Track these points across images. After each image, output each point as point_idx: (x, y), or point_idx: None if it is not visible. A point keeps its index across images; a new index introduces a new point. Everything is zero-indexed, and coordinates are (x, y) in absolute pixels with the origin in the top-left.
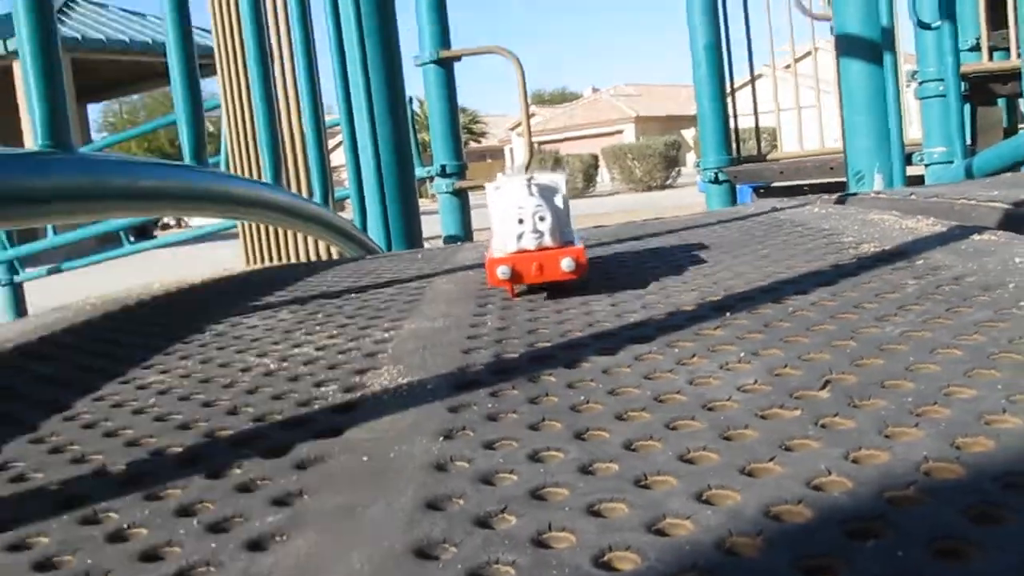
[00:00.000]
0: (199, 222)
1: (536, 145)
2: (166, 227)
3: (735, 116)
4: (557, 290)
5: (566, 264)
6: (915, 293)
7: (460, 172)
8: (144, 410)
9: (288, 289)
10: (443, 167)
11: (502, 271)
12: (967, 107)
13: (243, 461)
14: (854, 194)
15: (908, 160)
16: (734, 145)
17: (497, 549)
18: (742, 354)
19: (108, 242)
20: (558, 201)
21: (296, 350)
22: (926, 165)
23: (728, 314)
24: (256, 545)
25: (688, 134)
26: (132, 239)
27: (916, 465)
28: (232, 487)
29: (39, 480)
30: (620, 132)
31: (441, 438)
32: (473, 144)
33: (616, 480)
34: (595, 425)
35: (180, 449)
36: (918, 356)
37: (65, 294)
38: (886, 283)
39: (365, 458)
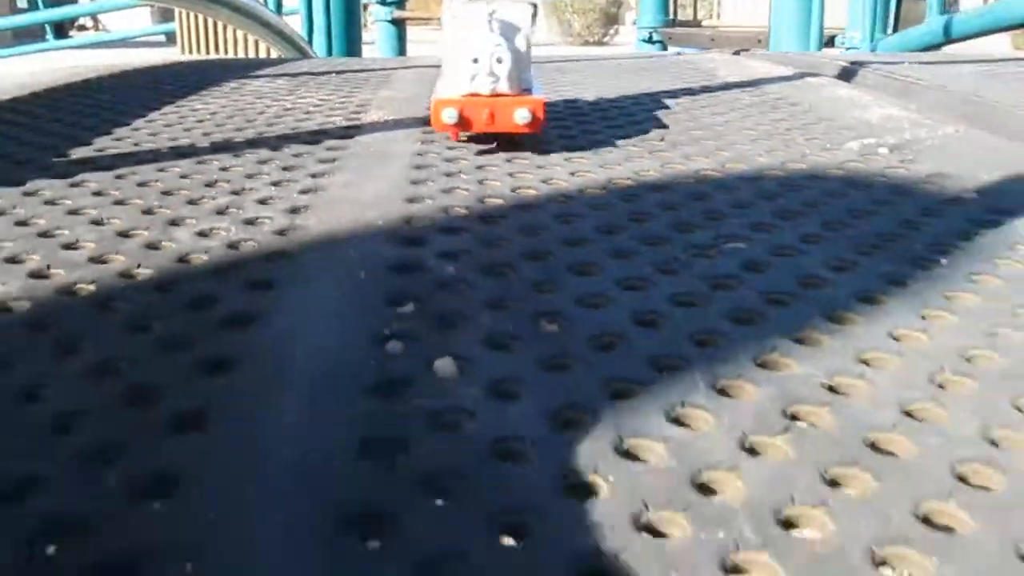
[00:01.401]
0: (119, 26)
1: None
2: (82, 28)
3: None
4: (507, 142)
5: (520, 116)
6: (752, 104)
7: (400, 1)
8: (204, 120)
9: (270, 70)
10: None
11: (448, 115)
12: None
13: (289, 144)
14: (746, 50)
15: (831, 43)
16: (672, 8)
17: (456, 198)
18: (657, 143)
19: (25, 36)
20: (520, 42)
21: (301, 101)
22: (845, 48)
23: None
24: (314, 175)
25: None
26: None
27: (756, 156)
28: (289, 156)
29: (152, 144)
30: None
31: (419, 143)
32: None
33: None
34: (522, 159)
35: (242, 140)
36: (751, 123)
37: None
38: (736, 99)
39: (372, 148)
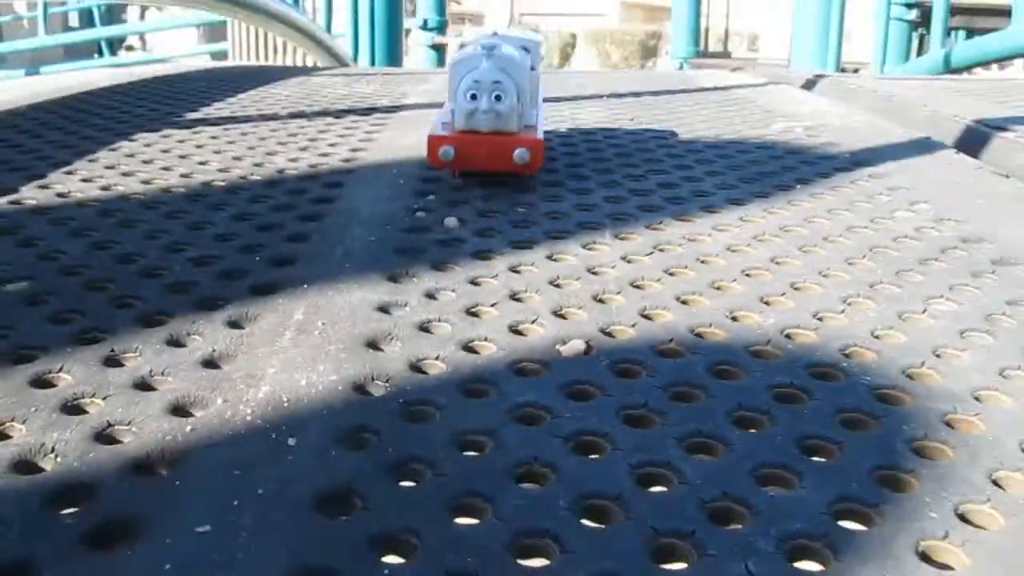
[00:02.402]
0: (165, 48)
1: (519, 16)
2: (130, 48)
3: (707, 14)
4: (506, 177)
5: (519, 156)
6: (716, 100)
7: (441, 28)
8: (280, 99)
9: (326, 72)
10: (425, 21)
11: (444, 152)
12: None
13: (348, 115)
14: (741, 68)
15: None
16: (704, 41)
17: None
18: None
19: (76, 53)
20: (521, 75)
21: (354, 91)
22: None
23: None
24: (368, 132)
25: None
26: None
27: (698, 130)
28: (348, 121)
29: (244, 113)
30: (603, 16)
31: None
32: (454, 6)
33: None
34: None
35: (311, 112)
36: (706, 112)
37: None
38: (705, 96)
39: (410, 119)
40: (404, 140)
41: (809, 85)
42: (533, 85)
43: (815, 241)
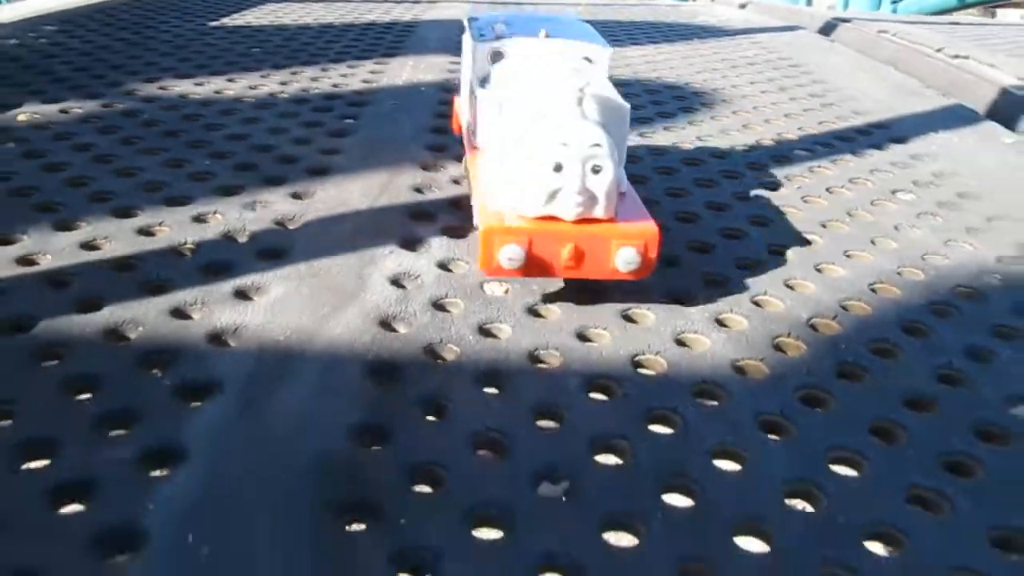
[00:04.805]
0: None
1: None
2: None
3: None
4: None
5: (624, 259)
6: (664, 9)
7: None
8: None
9: None
10: None
11: (509, 255)
12: None
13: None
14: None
15: None
16: None
17: None
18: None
19: None
20: (621, 125)
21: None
22: None
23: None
24: (397, 36)
25: None
26: None
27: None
28: (384, 22)
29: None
30: None
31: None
32: None
33: None
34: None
35: (318, 31)
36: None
37: None
38: (657, 10)
39: (434, 38)
40: (426, 43)
41: (742, 7)
42: (624, 143)
43: (689, 54)
